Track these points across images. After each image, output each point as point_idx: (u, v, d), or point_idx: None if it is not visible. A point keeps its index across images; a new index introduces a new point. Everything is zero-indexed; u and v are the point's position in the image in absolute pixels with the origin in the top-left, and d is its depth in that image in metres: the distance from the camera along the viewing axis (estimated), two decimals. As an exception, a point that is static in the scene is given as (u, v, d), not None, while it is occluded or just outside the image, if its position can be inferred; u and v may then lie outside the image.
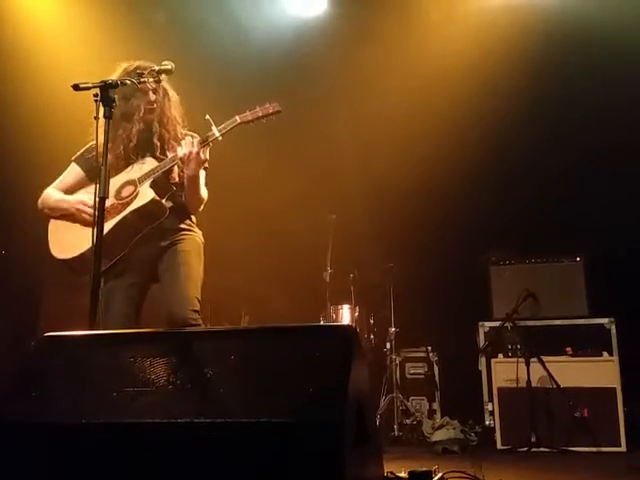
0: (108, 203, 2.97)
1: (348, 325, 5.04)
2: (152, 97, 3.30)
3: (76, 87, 2.84)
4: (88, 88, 2.84)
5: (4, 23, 5.47)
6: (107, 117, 2.82)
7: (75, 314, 3.68)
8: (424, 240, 5.78)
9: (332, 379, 1.90)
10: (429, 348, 5.65)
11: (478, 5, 5.68)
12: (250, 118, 3.35)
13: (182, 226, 3.36)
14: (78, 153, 3.40)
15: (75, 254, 3.19)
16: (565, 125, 5.57)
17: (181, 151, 3.17)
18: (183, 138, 3.27)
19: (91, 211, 3.00)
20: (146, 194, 3.18)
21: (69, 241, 3.21)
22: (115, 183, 3.21)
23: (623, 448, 4.49)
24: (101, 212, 2.77)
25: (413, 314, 5.68)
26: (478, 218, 5.79)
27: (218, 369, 2.01)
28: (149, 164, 3.26)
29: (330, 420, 1.77)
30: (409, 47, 5.69)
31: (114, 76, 3.12)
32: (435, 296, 5.76)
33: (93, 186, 2.94)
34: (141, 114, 3.27)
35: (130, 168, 3.28)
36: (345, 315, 5.54)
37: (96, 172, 3.03)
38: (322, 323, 5.36)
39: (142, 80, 3.06)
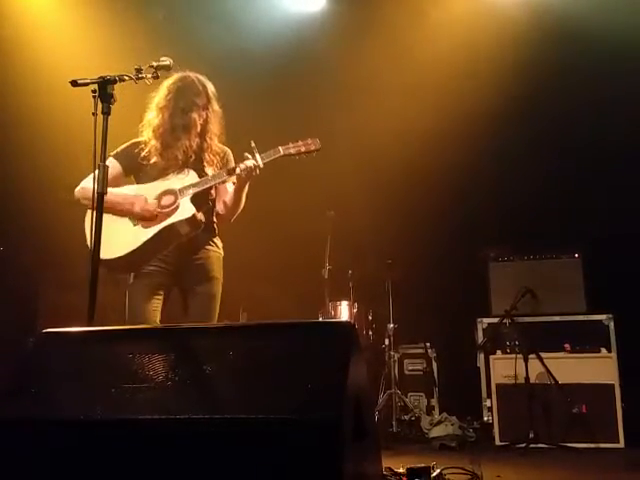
0: (151, 208, 3.24)
1: (346, 321, 5.02)
2: (204, 113, 3.41)
3: (74, 83, 2.83)
4: (86, 84, 2.83)
5: (4, 22, 5.45)
6: (105, 113, 2.82)
7: (73, 312, 3.72)
8: (423, 237, 5.78)
9: (330, 375, 1.90)
10: (427, 344, 5.65)
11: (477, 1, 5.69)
12: (292, 152, 3.54)
13: (210, 242, 3.47)
14: (118, 149, 3.43)
15: (121, 254, 3.21)
16: (564, 121, 5.57)
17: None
18: (220, 152, 3.46)
19: (150, 208, 3.23)
20: (187, 207, 3.26)
21: (112, 239, 3.13)
22: (155, 188, 3.30)
23: (621, 444, 4.51)
24: (100, 208, 2.77)
25: (412, 310, 5.68)
26: (477, 215, 5.80)
27: (217, 365, 2.01)
28: (191, 177, 3.33)
29: (328, 416, 1.77)
30: (407, 42, 5.68)
31: None
32: (433, 293, 5.77)
33: (132, 184, 3.29)
34: (198, 129, 3.39)
35: (171, 176, 3.35)
36: (343, 311, 5.55)
37: (136, 170, 3.37)
38: (320, 319, 5.36)
39: (140, 76, 3.06)
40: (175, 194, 3.29)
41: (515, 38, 5.39)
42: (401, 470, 2.90)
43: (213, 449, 1.81)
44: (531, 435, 4.49)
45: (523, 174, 5.69)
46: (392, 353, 5.46)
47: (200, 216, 3.31)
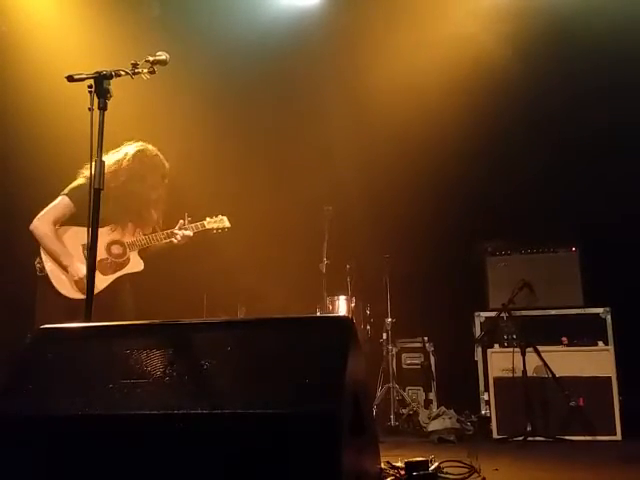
0: (101, 256, 3.79)
1: (344, 316, 5.04)
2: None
3: (70, 78, 2.82)
4: (82, 79, 2.83)
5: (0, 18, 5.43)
6: (101, 109, 2.81)
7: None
8: (420, 231, 5.78)
9: (329, 370, 1.90)
10: (425, 338, 5.66)
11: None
12: (213, 227, 4.18)
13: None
14: (69, 188, 3.90)
15: (78, 297, 3.73)
16: (560, 113, 5.56)
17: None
18: (154, 217, 4.09)
19: (82, 284, 3.64)
20: (137, 262, 3.96)
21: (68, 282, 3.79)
22: (103, 235, 3.69)
23: (618, 437, 4.52)
24: (96, 204, 2.77)
25: (409, 305, 5.68)
26: (474, 209, 5.79)
27: (215, 360, 2.02)
28: (138, 234, 3.99)
29: (327, 411, 1.77)
30: (405, 36, 5.67)
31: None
32: (431, 287, 5.77)
33: (81, 227, 3.73)
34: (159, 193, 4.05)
35: (114, 227, 3.92)
36: (341, 306, 5.54)
37: (85, 208, 3.65)
38: (318, 314, 5.36)
39: (137, 71, 3.05)
40: (124, 246, 3.94)
41: (514, 33, 5.39)
42: (399, 464, 2.90)
43: (212, 444, 1.81)
44: (529, 428, 4.50)
45: (520, 168, 5.69)
46: (390, 347, 5.47)
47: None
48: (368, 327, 5.71)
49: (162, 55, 3.11)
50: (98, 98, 2.82)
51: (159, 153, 4.06)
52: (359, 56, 5.77)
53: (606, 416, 4.56)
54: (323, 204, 5.54)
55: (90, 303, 2.70)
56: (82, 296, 3.55)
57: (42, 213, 3.86)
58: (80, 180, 3.90)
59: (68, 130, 4.59)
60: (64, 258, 3.78)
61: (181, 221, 4.07)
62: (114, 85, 2.90)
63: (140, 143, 4.05)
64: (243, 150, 6.00)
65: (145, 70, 3.06)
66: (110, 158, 3.88)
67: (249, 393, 1.89)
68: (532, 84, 5.51)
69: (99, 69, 2.86)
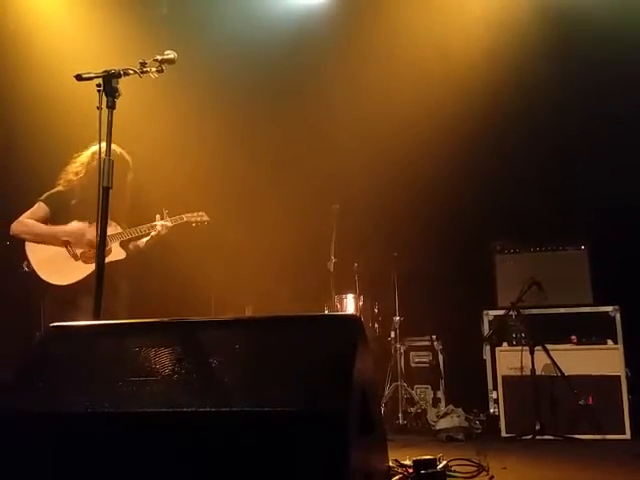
0: (83, 248, 4.06)
1: (352, 314, 5.04)
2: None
3: (79, 77, 2.83)
4: (90, 78, 2.84)
5: (5, 18, 5.45)
6: (110, 107, 2.82)
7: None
8: (428, 229, 5.77)
9: (337, 368, 1.90)
10: (434, 337, 5.65)
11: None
12: (192, 220, 4.42)
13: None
14: (46, 194, 4.14)
15: (70, 282, 3.98)
16: (567, 111, 5.53)
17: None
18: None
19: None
20: (119, 252, 4.17)
21: (62, 270, 4.01)
22: (86, 230, 4.05)
23: (627, 435, 4.51)
24: (105, 202, 2.78)
25: (417, 303, 5.67)
26: (483, 207, 5.77)
27: (223, 359, 2.02)
28: (114, 227, 4.13)
29: (335, 409, 1.77)
30: (412, 32, 5.65)
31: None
32: (439, 285, 5.75)
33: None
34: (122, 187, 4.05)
35: (91, 222, 4.01)
36: (349, 304, 5.54)
37: (61, 213, 4.10)
38: (326, 312, 5.36)
39: (145, 70, 3.05)
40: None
41: (520, 27, 5.37)
42: (407, 462, 2.90)
43: (220, 442, 1.81)
44: (537, 427, 4.49)
45: (530, 165, 5.67)
46: (398, 345, 5.46)
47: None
48: (376, 325, 5.71)
49: (170, 54, 3.11)
50: (107, 97, 2.83)
51: (122, 150, 4.14)
52: (366, 52, 5.76)
53: (615, 415, 4.54)
54: (330, 202, 5.54)
55: (99, 301, 2.72)
56: (73, 280, 3.97)
57: (19, 218, 4.11)
58: (58, 187, 4.19)
59: (76, 129, 4.61)
60: (59, 233, 4.04)
61: (158, 215, 4.31)
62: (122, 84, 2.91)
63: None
64: (250, 149, 6.00)
65: (153, 69, 3.07)
66: (78, 159, 4.20)
67: (257, 391, 1.89)
68: (543, 76, 5.48)
69: (108, 68, 2.87)
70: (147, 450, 1.86)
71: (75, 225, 4.10)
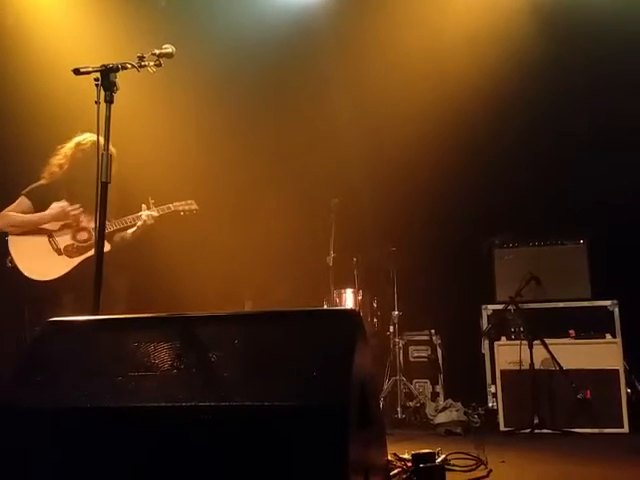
0: (67, 242, 4.10)
1: (351, 309, 5.04)
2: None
3: (77, 71, 2.83)
4: (88, 72, 2.83)
5: (4, 12, 5.42)
6: (108, 101, 2.81)
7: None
8: (427, 223, 5.77)
9: (336, 363, 1.90)
10: (432, 331, 5.65)
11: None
12: (180, 209, 4.38)
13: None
14: (29, 188, 4.15)
15: (53, 277, 4.00)
16: (566, 106, 5.52)
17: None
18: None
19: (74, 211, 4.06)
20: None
21: (45, 266, 4.01)
22: (73, 209, 4.09)
23: (626, 429, 4.52)
24: (104, 197, 2.78)
25: (416, 297, 5.68)
26: (481, 201, 5.76)
27: (222, 353, 2.02)
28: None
29: (334, 404, 1.77)
30: (410, 25, 5.64)
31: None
32: (438, 279, 5.75)
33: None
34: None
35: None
36: (348, 299, 5.54)
37: (44, 207, 4.10)
38: (325, 307, 5.37)
39: (143, 64, 3.04)
40: (89, 231, 4.14)
41: (521, 23, 5.35)
42: (406, 456, 2.91)
43: (219, 436, 1.82)
44: (536, 421, 4.50)
45: (528, 159, 5.66)
46: (397, 340, 5.47)
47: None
48: (375, 320, 5.71)
49: (169, 48, 3.10)
50: (105, 91, 2.82)
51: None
52: (365, 46, 5.74)
53: (613, 409, 4.56)
54: (329, 197, 5.53)
55: (98, 296, 2.71)
56: (55, 275, 3.98)
57: (1, 212, 4.13)
58: (41, 181, 4.20)
59: (74, 123, 4.59)
60: (42, 219, 4.07)
61: (144, 205, 4.31)
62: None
63: (88, 134, 4.17)
64: (248, 143, 5.99)
65: (152, 63, 3.05)
66: (62, 151, 4.22)
67: (256, 386, 1.89)
68: (539, 76, 5.47)
69: (105, 62, 2.86)
70: (147, 444, 1.86)
71: (55, 206, 4.10)
